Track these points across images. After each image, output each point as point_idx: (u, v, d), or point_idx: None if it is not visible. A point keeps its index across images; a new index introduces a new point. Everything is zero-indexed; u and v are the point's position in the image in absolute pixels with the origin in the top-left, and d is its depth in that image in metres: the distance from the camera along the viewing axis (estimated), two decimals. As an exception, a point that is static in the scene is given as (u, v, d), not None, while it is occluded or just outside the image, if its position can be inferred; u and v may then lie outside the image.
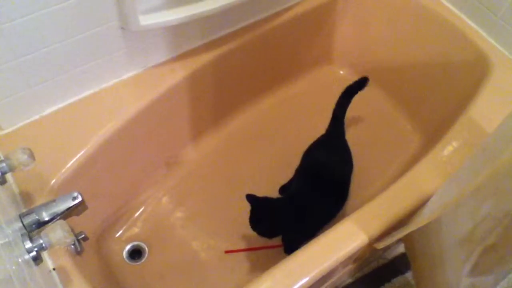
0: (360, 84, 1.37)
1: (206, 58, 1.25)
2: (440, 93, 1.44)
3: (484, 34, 1.32)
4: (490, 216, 0.83)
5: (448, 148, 1.11)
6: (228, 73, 1.37)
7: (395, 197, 1.03)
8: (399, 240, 1.33)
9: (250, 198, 1.15)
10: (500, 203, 0.80)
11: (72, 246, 0.96)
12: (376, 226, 0.98)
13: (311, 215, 1.18)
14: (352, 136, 1.54)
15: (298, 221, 1.16)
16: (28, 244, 0.73)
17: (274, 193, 1.38)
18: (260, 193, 1.27)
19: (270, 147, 1.52)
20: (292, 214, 1.17)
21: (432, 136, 1.37)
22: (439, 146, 1.11)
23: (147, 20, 1.04)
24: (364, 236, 0.96)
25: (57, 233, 0.74)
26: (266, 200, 1.17)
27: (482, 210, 0.84)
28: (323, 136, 1.36)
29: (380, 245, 1.05)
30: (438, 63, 1.42)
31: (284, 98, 1.61)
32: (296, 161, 1.37)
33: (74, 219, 0.87)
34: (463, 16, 1.36)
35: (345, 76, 1.69)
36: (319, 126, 1.55)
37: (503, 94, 1.20)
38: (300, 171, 1.33)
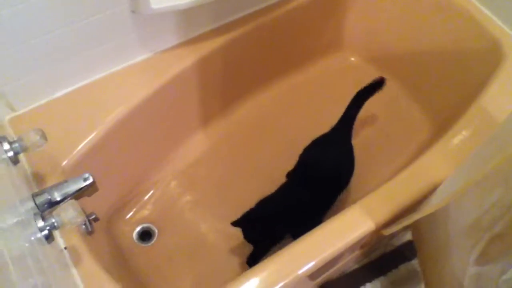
0: (375, 85, 1.30)
1: (216, 43, 1.25)
2: (452, 82, 1.42)
3: (498, 21, 1.30)
4: (498, 205, 0.83)
5: (458, 136, 1.10)
6: (238, 58, 1.37)
7: (404, 184, 1.04)
8: (407, 227, 1.33)
9: (237, 223, 1.15)
10: (509, 192, 0.79)
11: (83, 226, 0.98)
12: (384, 212, 0.98)
13: (301, 211, 1.17)
14: (362, 123, 1.54)
15: (289, 218, 1.16)
16: (41, 223, 0.74)
17: (281, 179, 1.38)
18: (268, 178, 1.28)
19: (279, 133, 1.53)
20: (282, 211, 1.17)
21: (443, 124, 1.36)
22: (449, 135, 1.10)
23: (158, 3, 1.04)
24: (371, 222, 0.97)
25: (69, 213, 0.76)
26: (249, 214, 1.16)
27: (490, 199, 0.83)
28: (326, 133, 1.32)
29: (388, 232, 1.05)
30: (450, 51, 1.41)
31: (294, 85, 1.61)
32: (304, 147, 1.37)
33: (85, 200, 0.88)
34: (477, 3, 1.33)
35: (356, 63, 1.67)
36: (329, 113, 1.55)
37: (516, 83, 1.18)
38: (296, 166, 1.31)
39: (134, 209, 1.34)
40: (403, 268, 1.46)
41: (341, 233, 0.97)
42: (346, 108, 1.32)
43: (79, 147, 1.04)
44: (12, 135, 1.02)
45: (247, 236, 1.17)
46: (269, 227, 1.16)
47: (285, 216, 1.17)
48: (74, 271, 0.89)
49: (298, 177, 1.27)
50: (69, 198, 0.84)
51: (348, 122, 1.32)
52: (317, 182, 1.23)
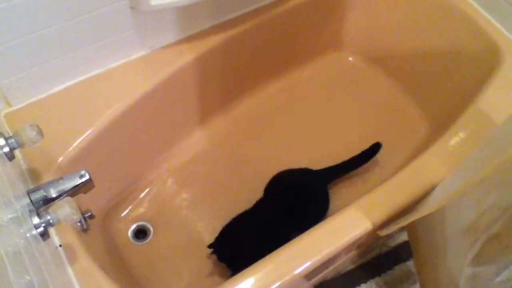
0: (373, 150, 1.37)
1: (215, 40, 1.24)
2: (450, 83, 1.43)
3: (496, 23, 1.30)
4: (495, 206, 0.83)
5: (455, 138, 1.10)
6: (237, 56, 1.36)
7: (401, 185, 1.04)
8: (403, 228, 1.33)
9: (214, 244, 1.18)
10: (506, 193, 0.80)
11: (79, 224, 0.97)
12: (381, 213, 0.98)
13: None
14: (359, 123, 1.54)
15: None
16: (36, 220, 0.73)
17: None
18: (265, 176, 1.28)
19: (276, 131, 1.52)
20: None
21: (440, 125, 1.37)
22: (446, 136, 1.11)
23: (158, 0, 1.03)
24: (368, 222, 0.97)
25: (65, 210, 0.75)
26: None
27: (487, 200, 0.84)
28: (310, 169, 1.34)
29: (384, 232, 1.06)
30: (448, 52, 1.41)
31: (292, 84, 1.61)
32: (301, 147, 1.37)
33: (81, 197, 0.88)
34: (475, 5, 1.34)
35: (354, 63, 1.68)
36: (325, 112, 1.55)
37: (514, 86, 1.19)
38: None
39: (130, 207, 1.34)
40: (398, 269, 1.46)
41: (337, 234, 0.97)
42: (338, 165, 1.35)
43: (76, 144, 1.03)
44: (7, 131, 1.01)
45: (222, 257, 1.19)
46: (244, 245, 1.16)
47: (259, 235, 1.18)
48: (69, 268, 0.88)
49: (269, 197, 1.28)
50: (65, 195, 0.83)
51: (331, 176, 1.35)
52: (283, 204, 1.24)
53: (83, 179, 0.85)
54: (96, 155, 1.09)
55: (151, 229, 1.32)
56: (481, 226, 0.88)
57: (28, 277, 0.55)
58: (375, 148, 1.37)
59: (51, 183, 0.84)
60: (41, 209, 0.81)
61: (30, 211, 0.75)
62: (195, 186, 1.40)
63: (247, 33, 1.30)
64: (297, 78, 1.61)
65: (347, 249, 1.04)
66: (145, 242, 1.30)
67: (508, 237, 0.84)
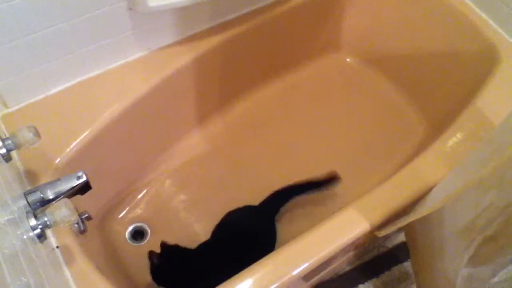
0: (328, 181, 1.28)
1: (213, 41, 1.24)
2: (447, 84, 1.43)
3: (494, 25, 1.31)
4: (492, 206, 0.83)
5: (453, 139, 1.11)
6: (235, 57, 1.36)
7: (399, 186, 1.04)
8: (400, 229, 1.33)
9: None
10: (503, 194, 0.80)
11: (76, 225, 0.97)
12: (379, 214, 0.98)
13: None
14: (357, 124, 1.54)
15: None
16: (33, 222, 0.73)
17: (276, 179, 1.37)
18: (262, 178, 1.28)
19: (274, 133, 1.52)
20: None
21: (438, 126, 1.37)
22: (444, 137, 1.11)
23: (156, 1, 1.03)
24: (366, 223, 0.97)
25: (62, 211, 0.75)
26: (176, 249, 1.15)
27: (485, 200, 0.84)
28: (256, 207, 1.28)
29: (382, 233, 1.06)
30: (446, 53, 1.41)
31: (290, 85, 1.61)
32: (299, 148, 1.36)
33: (78, 198, 0.87)
34: (473, 6, 1.34)
35: (352, 64, 1.68)
36: (323, 113, 1.55)
37: (511, 87, 1.19)
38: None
39: (127, 208, 1.34)
40: (395, 269, 1.46)
41: (335, 234, 0.97)
42: (284, 191, 1.28)
43: (73, 145, 1.03)
44: (4, 132, 1.01)
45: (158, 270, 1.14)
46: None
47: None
48: (66, 270, 0.88)
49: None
50: (62, 197, 0.83)
51: (278, 206, 1.29)
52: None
53: (80, 181, 0.85)
54: (94, 157, 1.09)
55: (149, 230, 1.32)
56: (478, 226, 0.88)
57: (25, 279, 0.55)
58: (332, 179, 1.29)
59: (48, 184, 0.84)
60: (38, 210, 0.81)
61: (27, 212, 0.75)
62: (193, 188, 1.40)
63: (244, 35, 1.30)
64: (295, 79, 1.61)
65: (345, 250, 1.04)
66: (142, 243, 1.30)
67: (505, 237, 0.84)
